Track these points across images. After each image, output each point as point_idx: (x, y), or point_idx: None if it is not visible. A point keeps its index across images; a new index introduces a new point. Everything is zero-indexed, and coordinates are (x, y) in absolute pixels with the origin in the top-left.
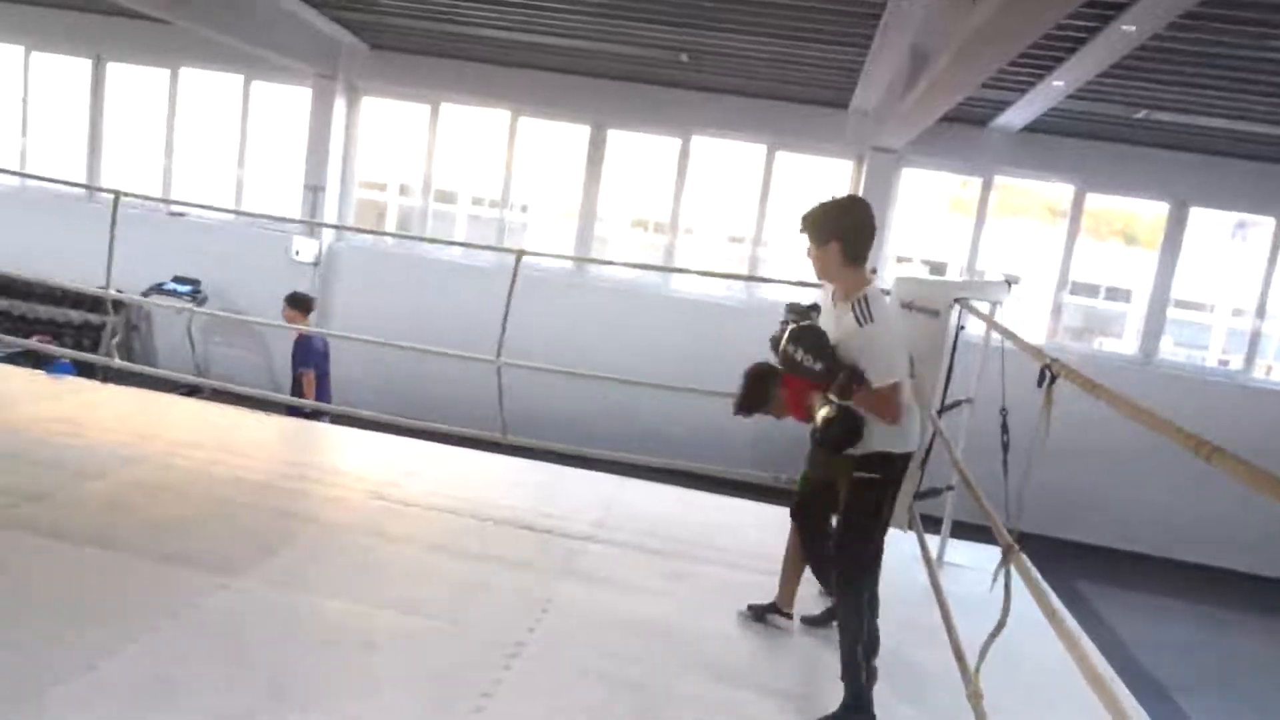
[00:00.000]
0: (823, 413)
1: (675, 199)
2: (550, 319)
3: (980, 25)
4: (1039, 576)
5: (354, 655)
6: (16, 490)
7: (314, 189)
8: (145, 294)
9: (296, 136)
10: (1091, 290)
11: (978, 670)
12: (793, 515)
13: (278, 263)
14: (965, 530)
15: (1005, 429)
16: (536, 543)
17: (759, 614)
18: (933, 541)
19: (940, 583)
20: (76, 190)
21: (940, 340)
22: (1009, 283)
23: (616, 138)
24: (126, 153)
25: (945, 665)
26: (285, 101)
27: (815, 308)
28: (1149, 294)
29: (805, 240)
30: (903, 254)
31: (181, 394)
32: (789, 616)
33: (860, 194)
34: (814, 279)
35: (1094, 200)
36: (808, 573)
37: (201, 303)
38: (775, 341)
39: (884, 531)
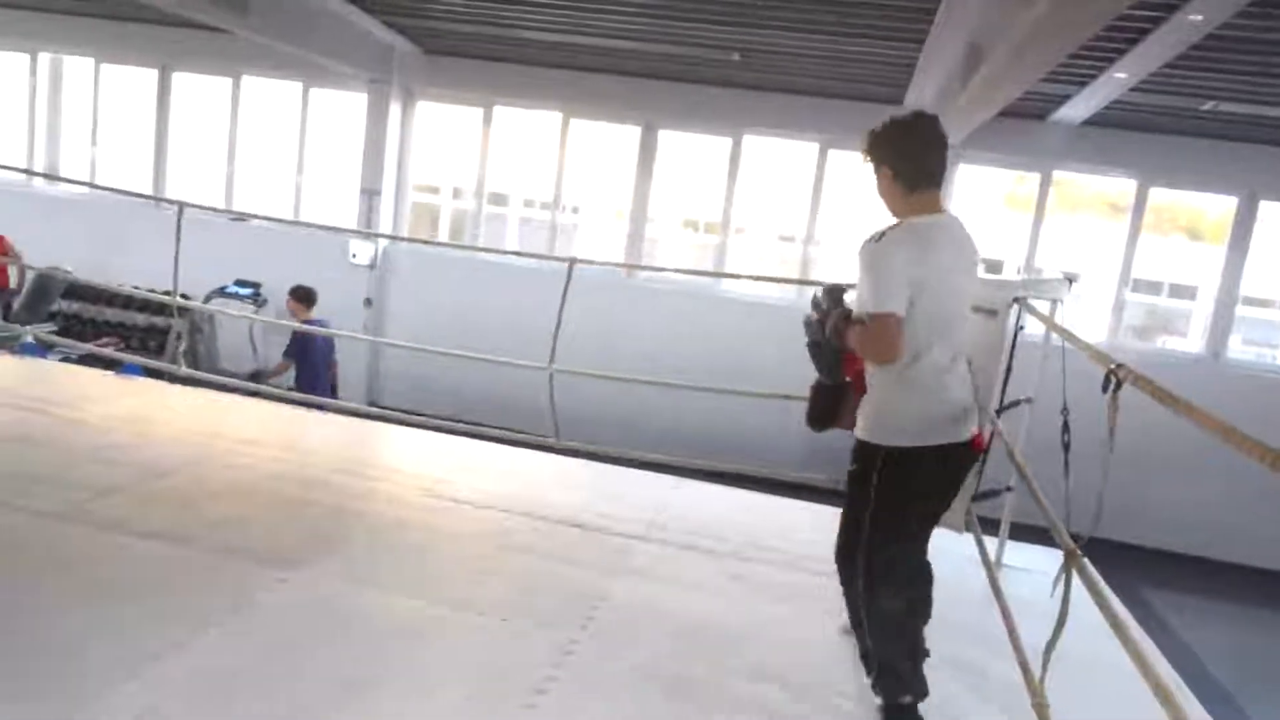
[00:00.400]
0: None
1: (726, 199)
2: (601, 320)
3: (1040, 17)
4: (1102, 582)
5: (409, 651)
6: (88, 485)
7: (369, 193)
8: (208, 297)
9: (352, 141)
10: (1154, 287)
11: (1042, 679)
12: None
13: (335, 265)
14: (1024, 532)
15: (1066, 429)
16: (589, 541)
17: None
18: (990, 544)
19: (1001, 586)
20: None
21: (999, 340)
22: (1069, 280)
23: (667, 138)
24: (190, 159)
25: (1006, 672)
26: (342, 107)
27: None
28: (1216, 290)
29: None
30: None
31: (243, 394)
32: None
33: None
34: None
35: (1157, 195)
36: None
37: (262, 305)
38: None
39: (912, 538)
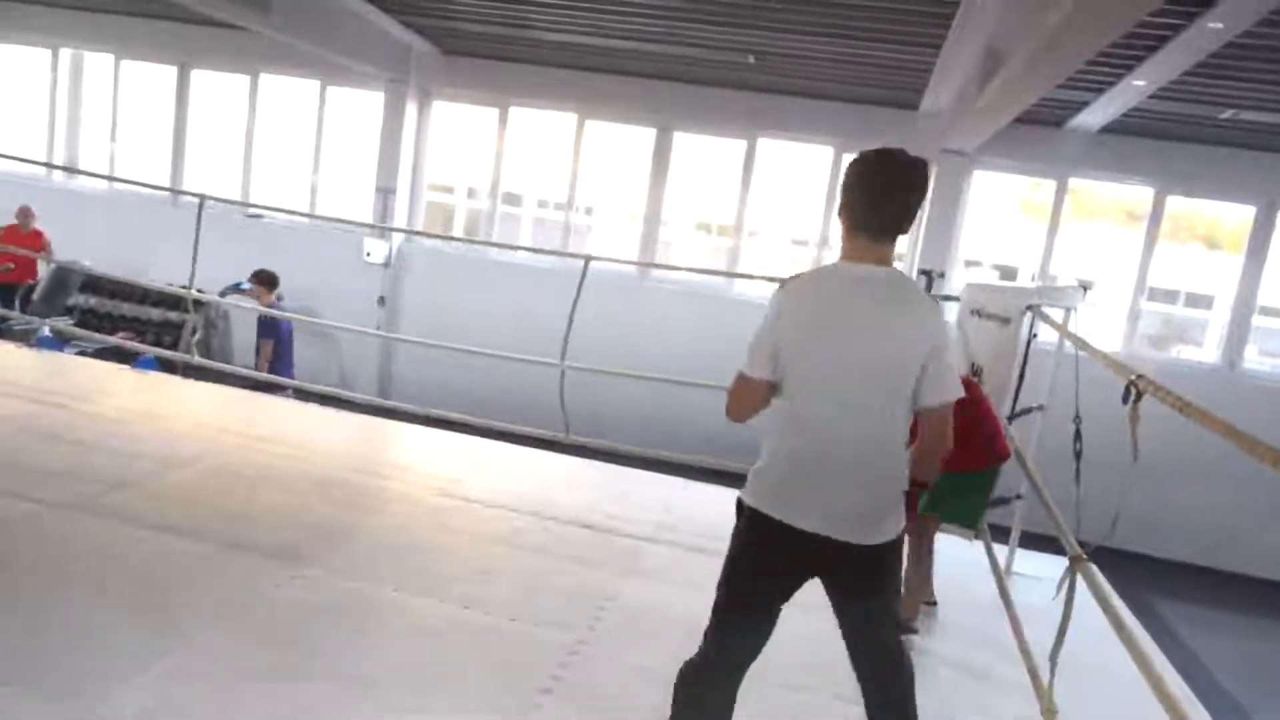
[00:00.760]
0: None
1: (740, 202)
2: (613, 320)
3: (1059, 24)
4: (1109, 588)
5: (417, 648)
6: (104, 478)
7: (385, 192)
8: (222, 293)
9: (369, 140)
10: (1171, 296)
11: (1051, 685)
12: None
13: (350, 263)
14: (1035, 541)
15: (1078, 438)
16: (598, 542)
17: None
18: (1001, 552)
19: (1010, 594)
20: (160, 193)
21: (1011, 347)
22: (1083, 288)
23: (682, 140)
24: (208, 156)
25: (1015, 678)
26: (359, 106)
27: None
28: (1233, 300)
29: None
30: (972, 258)
31: (256, 390)
32: (914, 631)
33: (929, 198)
34: None
35: (1175, 203)
36: None
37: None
38: None
39: (731, 627)
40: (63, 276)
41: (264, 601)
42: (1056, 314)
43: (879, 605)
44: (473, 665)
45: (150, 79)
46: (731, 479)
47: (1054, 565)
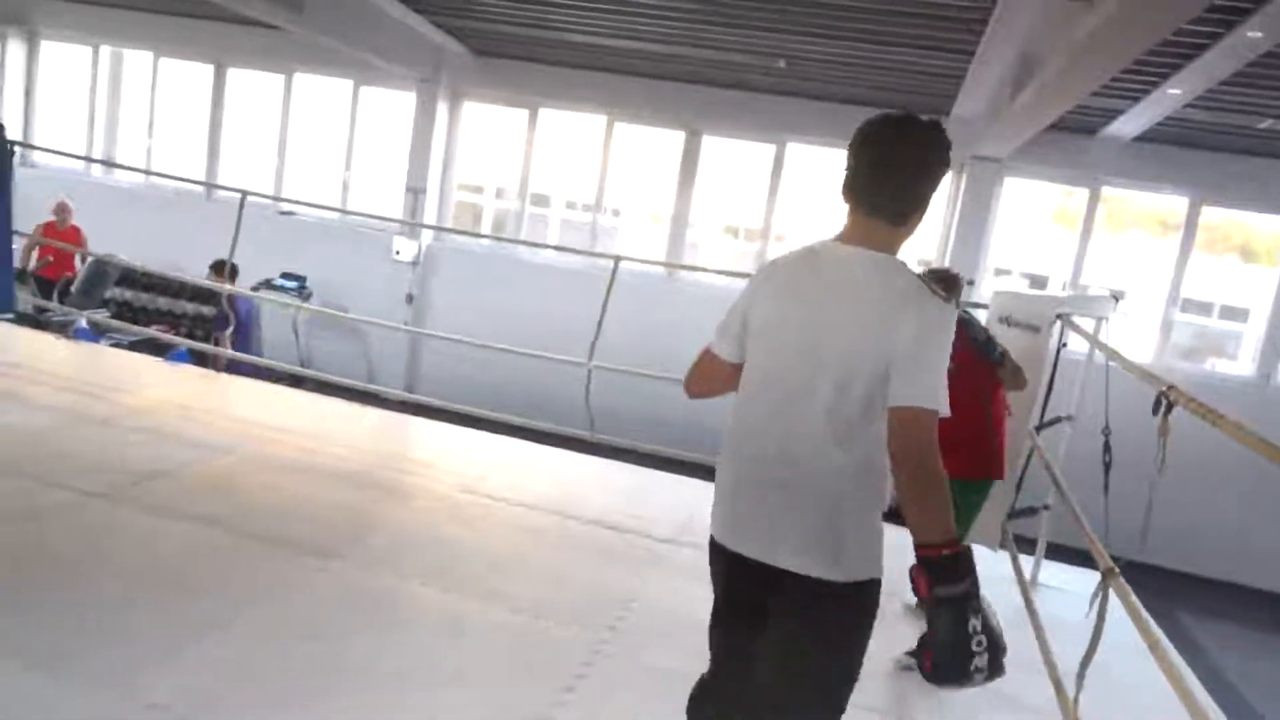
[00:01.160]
0: None
1: (768, 205)
2: (640, 322)
3: (1094, 30)
4: (1139, 603)
5: (440, 644)
6: (135, 469)
7: (415, 191)
8: (254, 289)
9: (399, 140)
10: (1204, 308)
11: (1076, 699)
12: None
13: (379, 261)
14: (1060, 553)
15: (1108, 449)
16: (621, 543)
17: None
18: (1027, 563)
19: (1035, 605)
20: (195, 189)
21: (1040, 356)
22: (1115, 298)
23: (710, 144)
24: (242, 154)
25: (1039, 692)
26: (391, 106)
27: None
28: (1268, 313)
29: None
30: (1002, 266)
31: (287, 384)
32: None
33: (959, 204)
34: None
35: (1210, 213)
36: None
37: (307, 298)
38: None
39: (720, 652)
40: (100, 269)
41: (290, 592)
42: (1087, 324)
43: (779, 641)
44: (496, 661)
45: (187, 77)
46: None
47: (1080, 577)
